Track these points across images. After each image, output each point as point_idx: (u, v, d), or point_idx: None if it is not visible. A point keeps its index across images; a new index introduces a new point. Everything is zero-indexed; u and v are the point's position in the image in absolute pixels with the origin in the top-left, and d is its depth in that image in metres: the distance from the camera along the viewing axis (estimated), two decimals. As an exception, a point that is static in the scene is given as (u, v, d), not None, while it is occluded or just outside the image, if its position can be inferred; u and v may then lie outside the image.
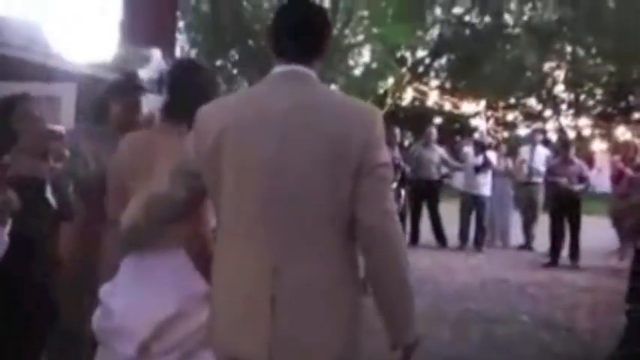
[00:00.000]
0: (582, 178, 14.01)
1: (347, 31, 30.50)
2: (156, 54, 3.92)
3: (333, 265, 2.93)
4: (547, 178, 14.68)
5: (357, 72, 31.03)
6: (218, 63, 27.48)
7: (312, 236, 2.90)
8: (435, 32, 33.03)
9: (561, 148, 15.16)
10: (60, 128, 4.75)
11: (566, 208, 13.95)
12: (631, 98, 30.72)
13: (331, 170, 2.86)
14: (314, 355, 2.93)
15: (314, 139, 2.87)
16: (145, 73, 3.86)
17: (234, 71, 29.59)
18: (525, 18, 30.39)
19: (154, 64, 3.89)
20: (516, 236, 16.21)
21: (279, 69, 3.05)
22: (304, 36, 3.05)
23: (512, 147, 17.36)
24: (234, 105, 3.11)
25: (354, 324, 3.02)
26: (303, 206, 2.87)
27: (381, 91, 30.46)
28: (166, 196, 3.15)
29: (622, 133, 31.92)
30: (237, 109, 3.04)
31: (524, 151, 16.39)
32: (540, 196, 15.72)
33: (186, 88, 3.70)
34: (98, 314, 3.69)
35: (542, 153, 15.98)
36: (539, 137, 17.12)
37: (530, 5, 30.33)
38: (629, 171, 12.48)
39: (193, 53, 28.82)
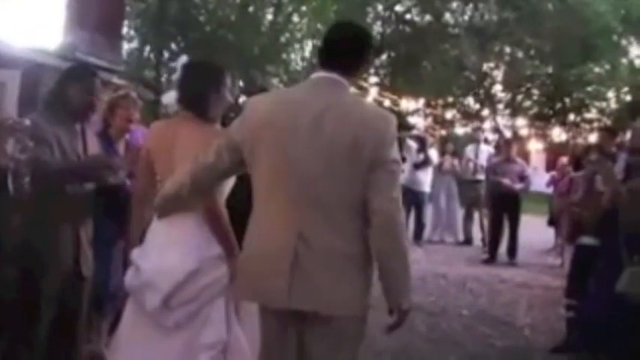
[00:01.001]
0: (523, 177, 14.25)
1: (290, 26, 30.48)
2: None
3: (349, 238, 3.60)
4: (489, 176, 14.89)
5: (299, 67, 30.96)
6: (165, 54, 27.14)
7: (333, 214, 3.58)
8: (376, 29, 33.11)
9: (504, 146, 15.40)
10: (20, 119, 4.73)
11: (506, 205, 14.17)
12: (567, 100, 31.17)
13: (351, 162, 3.53)
14: (333, 307, 3.60)
15: (339, 135, 3.53)
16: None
17: (173, 63, 29.14)
18: (466, 18, 30.68)
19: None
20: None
21: (318, 74, 3.75)
22: (346, 52, 3.74)
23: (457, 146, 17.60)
24: (277, 100, 3.86)
25: (367, 287, 3.69)
26: (327, 189, 3.55)
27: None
28: (212, 165, 3.85)
29: (558, 134, 32.50)
30: (279, 104, 3.76)
31: (469, 149, 16.65)
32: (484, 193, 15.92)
33: (191, 83, 4.52)
34: (130, 273, 4.48)
35: (485, 151, 16.28)
36: (483, 136, 17.44)
37: (471, 6, 30.62)
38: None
39: (136, 42, 28.53)
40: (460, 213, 16.82)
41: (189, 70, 4.63)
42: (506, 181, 13.97)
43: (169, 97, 4.80)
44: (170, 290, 4.23)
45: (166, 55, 26.97)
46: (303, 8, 30.71)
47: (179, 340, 4.32)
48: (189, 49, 26.44)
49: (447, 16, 31.70)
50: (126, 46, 26.59)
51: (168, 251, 4.30)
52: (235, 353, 4.44)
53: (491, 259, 14.09)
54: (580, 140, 29.09)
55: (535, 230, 15.85)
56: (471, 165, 16.17)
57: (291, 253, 3.55)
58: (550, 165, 28.16)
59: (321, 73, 3.73)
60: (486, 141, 18.65)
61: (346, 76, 3.73)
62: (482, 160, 15.85)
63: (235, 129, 3.78)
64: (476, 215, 16.31)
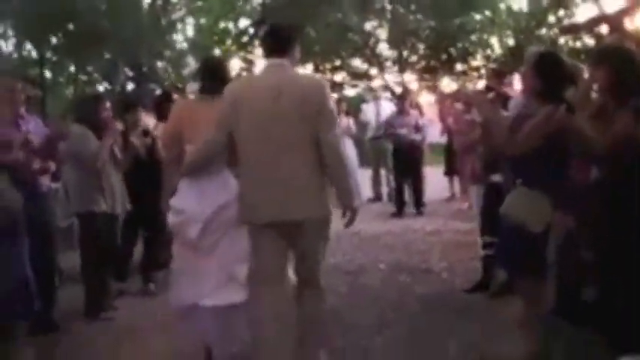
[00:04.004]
0: (418, 128, 14.47)
1: (169, 7, 30.15)
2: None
3: (312, 167, 5.34)
4: (387, 131, 15.02)
5: (184, 46, 30.64)
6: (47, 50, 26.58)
7: (299, 151, 5.30)
8: (256, 1, 32.91)
9: (398, 99, 15.54)
10: None
11: (407, 157, 14.36)
12: (452, 50, 31.50)
13: (303, 111, 5.27)
14: (311, 213, 5.35)
15: (292, 96, 5.30)
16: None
17: (55, 58, 28.57)
18: (344, -21, 30.68)
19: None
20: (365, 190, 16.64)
21: (269, 62, 5.55)
22: (280, 44, 5.53)
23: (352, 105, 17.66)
24: (246, 81, 6.61)
25: (327, 199, 5.41)
26: (291, 133, 5.29)
27: (209, 63, 30.17)
28: (213, 141, 5.61)
29: (447, 84, 32.92)
30: (248, 83, 5.95)
31: (367, 108, 16.79)
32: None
33: (214, 74, 6.22)
34: (171, 216, 6.09)
35: (387, 108, 16.38)
36: (386, 94, 17.55)
37: (348, -34, 30.68)
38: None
39: (13, 40, 27.91)
40: (359, 172, 16.86)
41: (218, 66, 6.47)
42: (402, 130, 14.20)
43: (192, 86, 6.50)
44: (207, 219, 5.84)
45: (48, 51, 26.44)
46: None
47: (214, 259, 5.90)
48: (71, 42, 25.94)
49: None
50: (4, 45, 26.12)
51: (201, 195, 5.91)
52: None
53: (399, 212, 14.31)
54: (470, 87, 29.42)
55: (435, 180, 16.13)
56: (372, 123, 16.33)
57: (277, 184, 5.26)
58: (443, 115, 28.51)
59: (270, 61, 5.52)
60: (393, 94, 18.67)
61: (285, 58, 5.48)
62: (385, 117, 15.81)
63: (223, 106, 5.46)
64: (383, 171, 16.48)
